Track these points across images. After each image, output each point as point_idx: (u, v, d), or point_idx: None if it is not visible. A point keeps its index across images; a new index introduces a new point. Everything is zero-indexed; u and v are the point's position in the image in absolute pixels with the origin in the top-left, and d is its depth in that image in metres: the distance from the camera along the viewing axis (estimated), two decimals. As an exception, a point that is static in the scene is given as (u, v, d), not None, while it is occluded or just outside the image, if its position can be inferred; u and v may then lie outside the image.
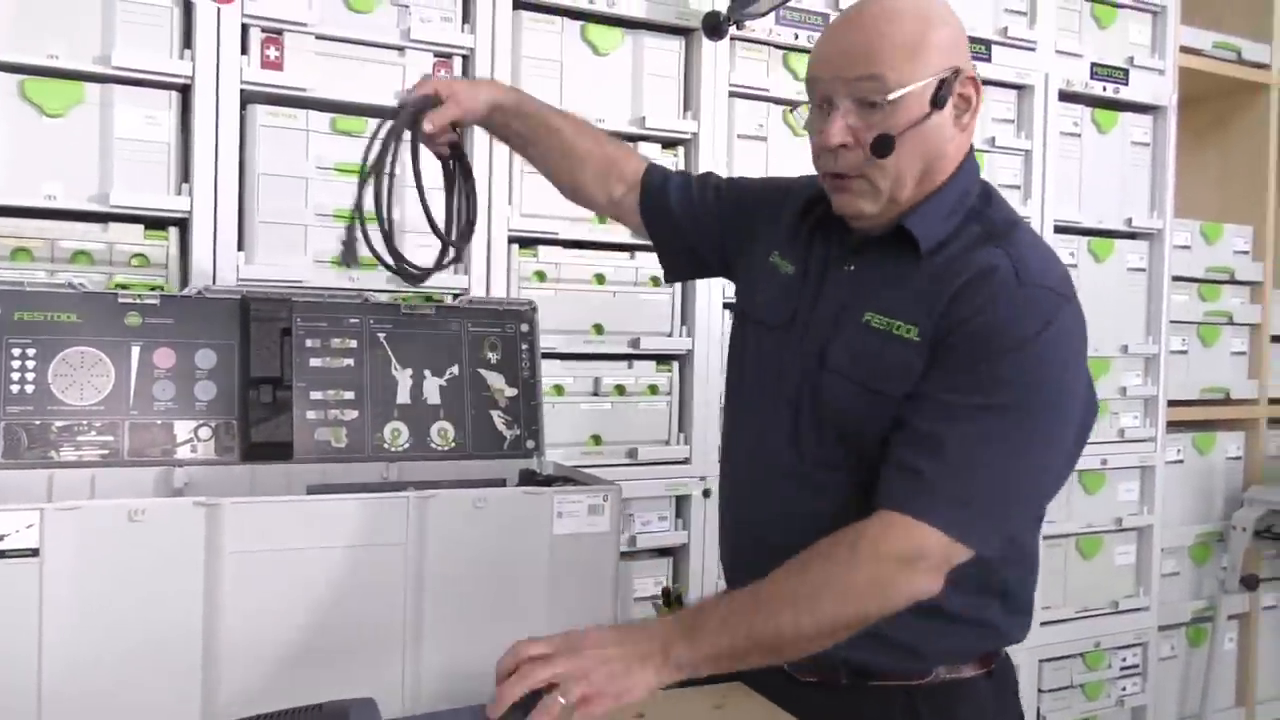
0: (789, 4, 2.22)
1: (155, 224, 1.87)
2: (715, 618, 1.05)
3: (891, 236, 1.21)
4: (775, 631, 1.04)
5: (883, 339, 1.16)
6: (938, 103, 1.15)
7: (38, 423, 1.31)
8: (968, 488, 1.09)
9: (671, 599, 1.76)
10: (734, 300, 1.50)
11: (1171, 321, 2.96)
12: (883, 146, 1.14)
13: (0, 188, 1.75)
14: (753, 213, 1.42)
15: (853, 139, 1.17)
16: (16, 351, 1.33)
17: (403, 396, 1.49)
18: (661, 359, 2.29)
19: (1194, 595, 3.12)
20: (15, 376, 1.32)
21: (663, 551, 2.29)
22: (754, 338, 1.32)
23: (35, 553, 1.08)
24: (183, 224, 1.88)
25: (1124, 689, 2.88)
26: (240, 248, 1.89)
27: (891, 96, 1.14)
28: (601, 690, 0.98)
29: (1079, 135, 2.83)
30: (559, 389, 2.17)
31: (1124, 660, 2.88)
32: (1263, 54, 3.20)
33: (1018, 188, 2.73)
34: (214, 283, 1.84)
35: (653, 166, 1.55)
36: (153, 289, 1.39)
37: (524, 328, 1.64)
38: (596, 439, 2.22)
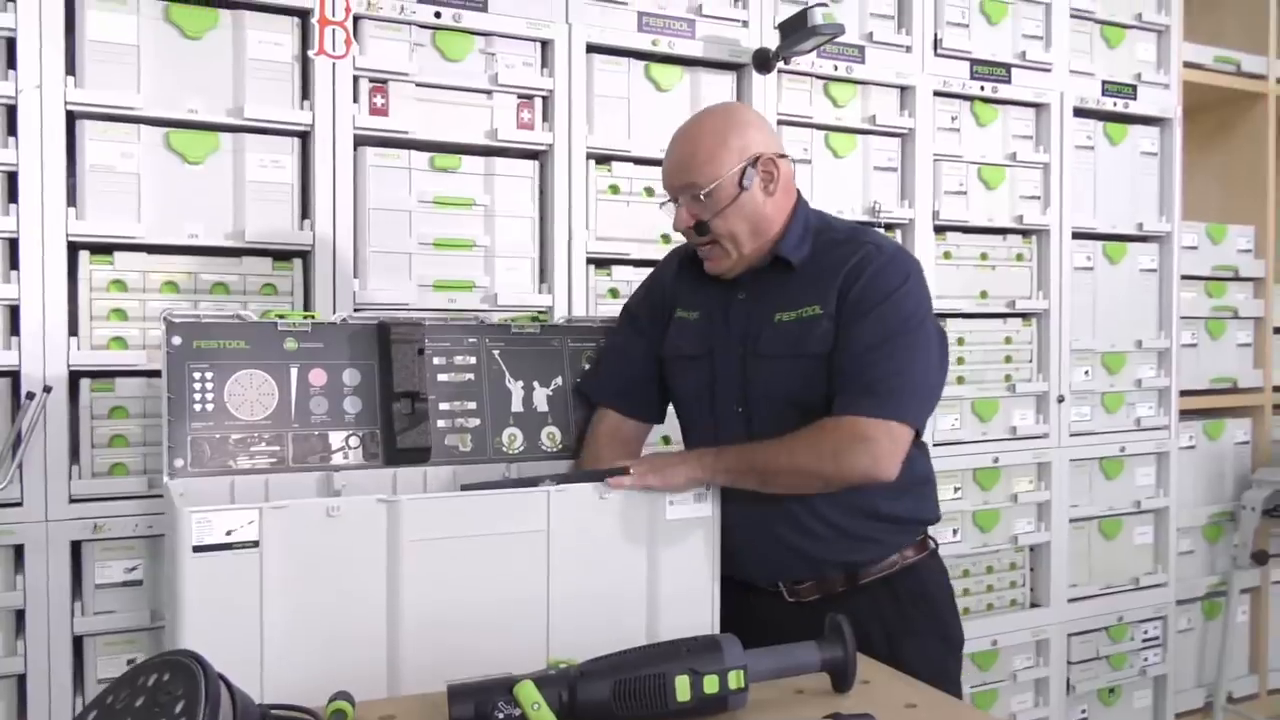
0: (833, 40, 2.38)
1: (282, 256, 2.06)
2: (734, 449, 1.54)
3: (768, 267, 1.63)
4: (765, 462, 1.51)
5: (795, 323, 1.58)
6: (743, 184, 1.59)
7: (217, 436, 1.48)
8: (888, 384, 1.50)
9: None
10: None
11: (1181, 317, 3.11)
12: (700, 229, 1.62)
13: (151, 229, 1.94)
14: (655, 305, 1.81)
15: (693, 221, 1.62)
16: (197, 375, 1.50)
17: (516, 405, 1.67)
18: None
19: (1208, 571, 3.26)
20: (197, 397, 1.49)
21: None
22: (683, 370, 1.72)
23: (256, 544, 1.26)
24: (305, 256, 2.07)
25: (1146, 659, 3.03)
26: (355, 274, 2.08)
27: (703, 194, 1.59)
28: (650, 473, 1.48)
29: (1092, 148, 2.99)
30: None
31: (1145, 633, 3.03)
32: (1260, 66, 3.35)
33: (1038, 198, 2.89)
34: (334, 306, 2.03)
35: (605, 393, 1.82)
36: (305, 318, 1.56)
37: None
38: (666, 440, 2.37)
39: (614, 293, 2.33)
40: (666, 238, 2.39)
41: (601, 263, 2.33)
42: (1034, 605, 2.89)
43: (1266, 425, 3.35)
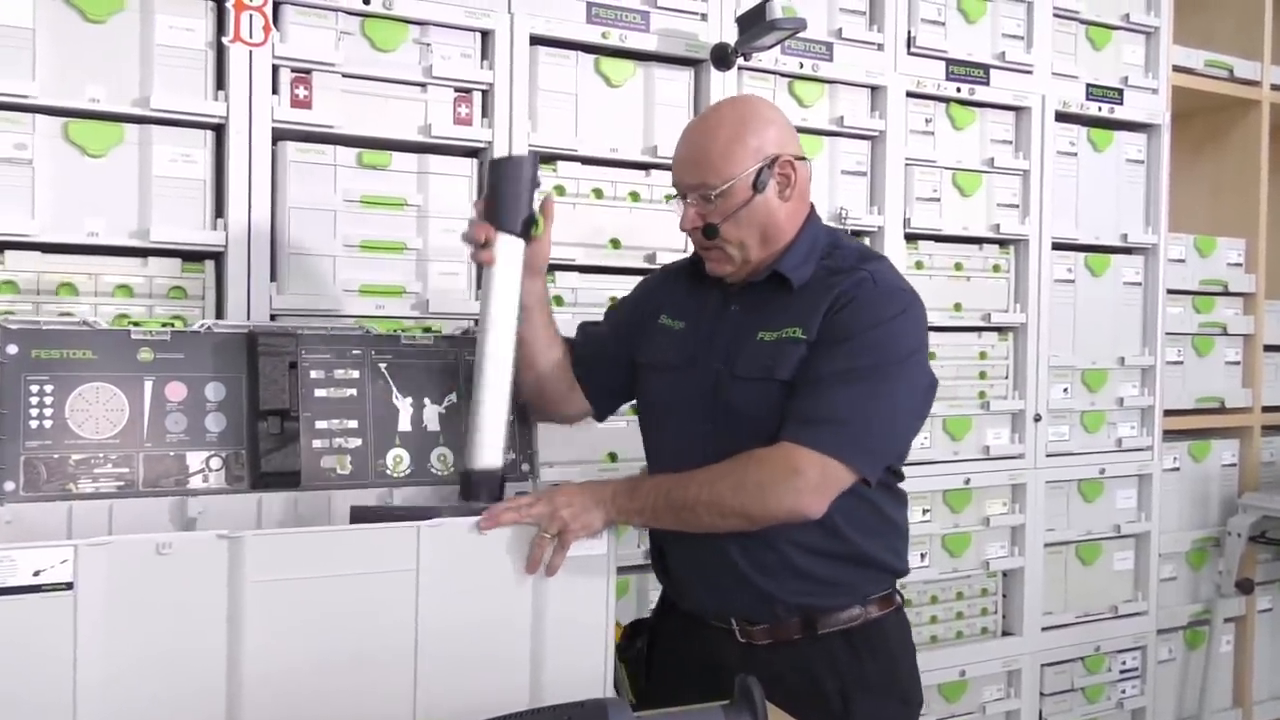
0: (795, 35, 2.17)
1: (193, 257, 1.87)
2: (649, 483, 1.39)
3: (765, 281, 1.47)
4: (683, 498, 1.33)
5: (775, 345, 1.41)
6: (757, 187, 1.42)
7: (56, 456, 1.29)
8: (837, 418, 1.34)
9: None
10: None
11: (1167, 333, 2.89)
12: (709, 232, 1.45)
13: (46, 225, 1.75)
14: (640, 307, 1.66)
15: (701, 222, 1.45)
16: (35, 388, 1.30)
17: (404, 424, 1.47)
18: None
19: (1191, 599, 3.04)
20: (34, 412, 1.29)
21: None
22: (657, 380, 1.56)
23: (70, 586, 1.07)
24: (218, 257, 1.88)
25: (1124, 691, 2.81)
26: (273, 279, 1.89)
27: (714, 194, 1.42)
28: (569, 524, 1.27)
29: (1075, 154, 2.77)
30: (580, 407, 2.15)
31: (1123, 663, 2.81)
32: (1253, 71, 3.12)
33: (1016, 206, 2.68)
34: (249, 314, 1.84)
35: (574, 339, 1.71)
36: (164, 325, 1.36)
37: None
38: (613, 456, 2.19)
39: (559, 300, 2.13)
40: (616, 242, 2.20)
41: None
42: (1006, 634, 2.67)
43: (1255, 447, 3.12)
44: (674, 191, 1.52)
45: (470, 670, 1.22)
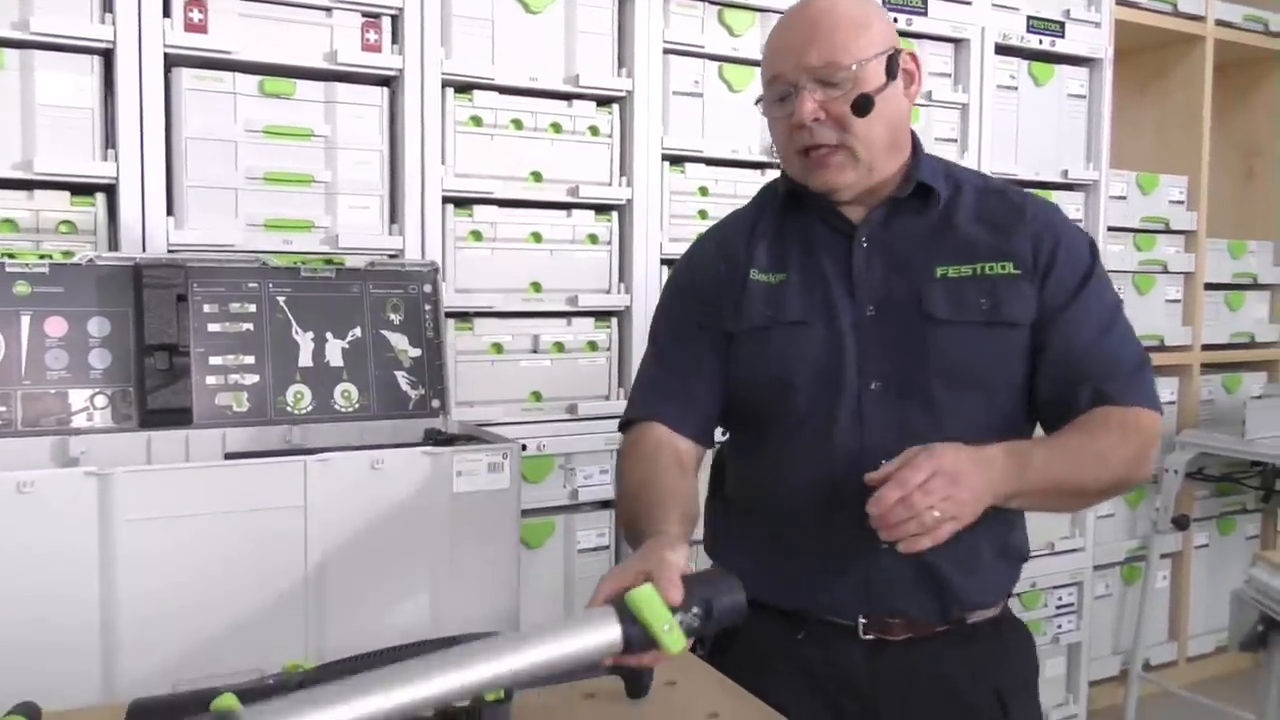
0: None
1: (82, 190, 1.80)
2: (1037, 458, 1.11)
3: (898, 203, 1.24)
4: (1078, 484, 1.13)
5: (978, 281, 1.21)
6: (891, 73, 1.20)
7: (-71, 394, 1.24)
8: (1143, 371, 1.22)
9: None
10: (708, 307, 1.32)
11: (1107, 271, 2.91)
12: (864, 104, 1.17)
13: (-80, 156, 1.67)
14: (706, 286, 1.32)
15: (824, 113, 1.19)
16: (-100, 322, 1.25)
17: (305, 359, 1.42)
18: (600, 315, 2.23)
19: (1128, 536, 3.10)
20: (-95, 348, 1.25)
21: (604, 504, 2.25)
22: (774, 343, 1.25)
23: (-83, 525, 1.03)
24: (110, 190, 1.81)
25: (1059, 626, 2.86)
26: (170, 213, 1.82)
27: (854, 68, 1.18)
28: (963, 514, 1.02)
29: (1016, 88, 2.76)
30: (498, 347, 2.12)
31: (1060, 599, 2.85)
32: (1198, 6, 3.12)
33: (954, 141, 2.66)
34: (144, 248, 1.78)
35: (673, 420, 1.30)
36: (41, 257, 1.31)
37: (427, 288, 1.57)
38: (537, 395, 2.17)
39: (476, 235, 2.09)
40: (537, 175, 2.15)
41: (461, 202, 2.08)
42: (942, 573, 2.71)
43: (1194, 385, 3.17)
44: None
45: (366, 613, 1.19)
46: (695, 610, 0.87)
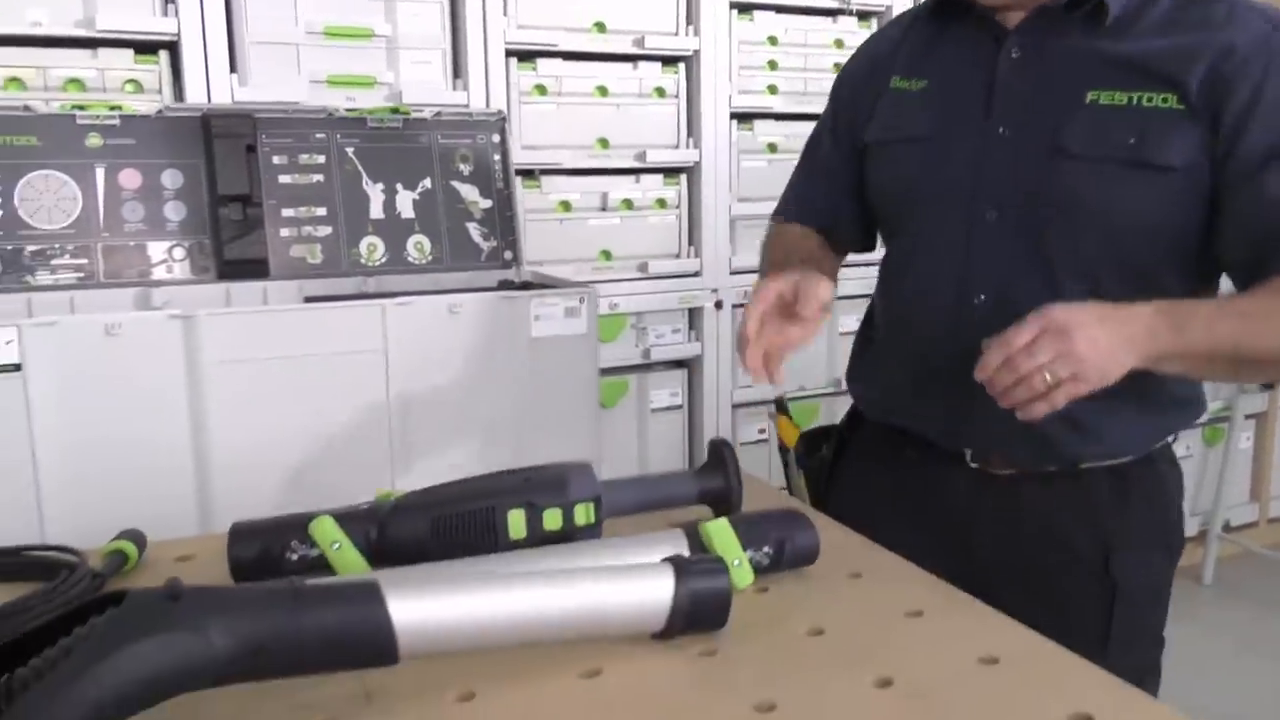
0: None
1: (145, 48, 1.79)
2: (1200, 317, 0.97)
3: (1062, 9, 1.06)
4: (1255, 349, 0.97)
5: (1126, 112, 1.02)
6: None
7: (10, 248, 1.26)
8: None
9: (785, 407, 1.50)
10: (829, 122, 1.30)
11: None
12: None
13: (-16, 18, 1.67)
14: (862, 84, 1.25)
15: None
16: (-22, 177, 1.27)
17: (376, 211, 1.42)
18: (669, 172, 2.19)
19: (1212, 397, 3.01)
20: (-20, 202, 1.27)
21: (677, 363, 2.25)
22: (902, 158, 1.17)
23: (18, 368, 1.06)
24: (173, 47, 1.79)
25: (1137, 487, 2.83)
26: (233, 69, 1.81)
27: None
28: (1085, 374, 0.91)
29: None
30: (566, 205, 2.10)
31: (1139, 460, 2.81)
32: None
33: None
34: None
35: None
36: (111, 109, 1.31)
37: (495, 138, 1.54)
38: (606, 254, 2.15)
39: (541, 89, 2.04)
40: (601, 25, 2.08)
41: (525, 55, 2.03)
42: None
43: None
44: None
45: (445, 450, 1.22)
46: (766, 549, 0.87)
